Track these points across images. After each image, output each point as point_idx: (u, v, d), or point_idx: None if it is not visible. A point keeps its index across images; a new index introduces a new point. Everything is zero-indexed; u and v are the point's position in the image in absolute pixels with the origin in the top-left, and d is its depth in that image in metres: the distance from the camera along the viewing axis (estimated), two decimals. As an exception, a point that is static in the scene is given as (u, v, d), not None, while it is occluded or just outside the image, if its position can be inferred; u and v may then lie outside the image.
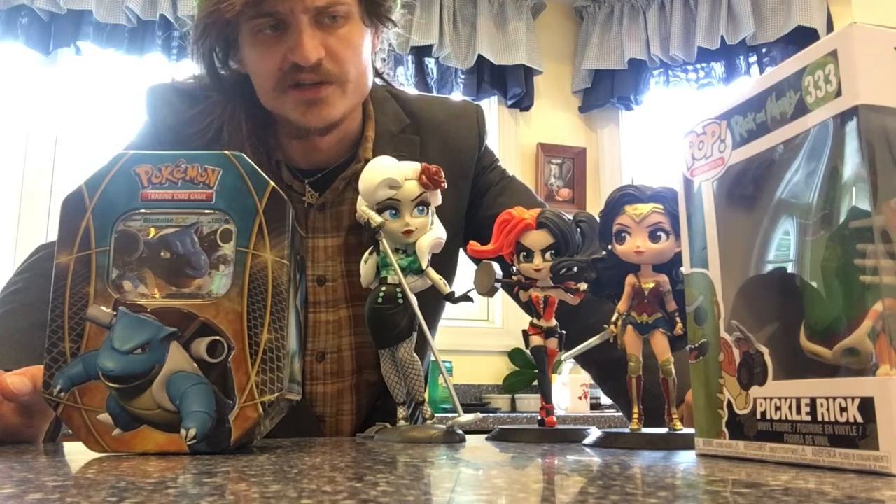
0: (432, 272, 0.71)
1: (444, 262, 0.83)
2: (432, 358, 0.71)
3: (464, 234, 1.01)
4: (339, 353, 0.95)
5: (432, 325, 0.98)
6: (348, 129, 0.96)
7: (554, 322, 0.71)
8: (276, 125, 0.96)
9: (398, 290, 0.70)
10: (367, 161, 0.90)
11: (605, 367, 0.95)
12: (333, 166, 0.96)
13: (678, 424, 0.61)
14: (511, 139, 3.23)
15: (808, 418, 0.42)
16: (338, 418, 0.96)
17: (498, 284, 0.70)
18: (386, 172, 0.70)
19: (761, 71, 3.04)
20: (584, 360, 0.98)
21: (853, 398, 0.39)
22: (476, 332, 3.03)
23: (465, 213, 1.02)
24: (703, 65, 3.20)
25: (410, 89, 2.63)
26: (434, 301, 0.77)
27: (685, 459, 0.48)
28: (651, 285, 0.61)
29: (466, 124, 1.03)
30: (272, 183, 0.56)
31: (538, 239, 0.68)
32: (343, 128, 0.94)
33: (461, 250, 1.02)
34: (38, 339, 0.63)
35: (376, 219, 0.70)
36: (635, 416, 0.61)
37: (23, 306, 0.81)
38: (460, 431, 0.67)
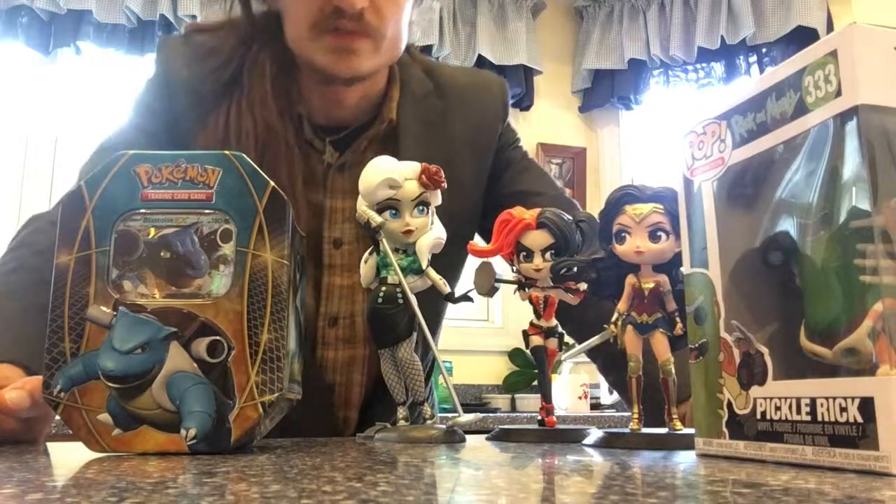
0: (432, 272, 0.71)
1: (460, 241, 0.80)
2: (433, 358, 0.70)
3: (482, 210, 0.99)
4: (352, 319, 0.93)
5: (435, 325, 0.97)
6: (373, 88, 0.94)
7: (554, 322, 0.71)
8: (299, 76, 0.94)
9: (398, 290, 0.70)
10: (390, 121, 0.90)
11: (611, 357, 0.94)
12: (355, 126, 0.94)
13: (678, 424, 0.61)
14: (511, 139, 3.23)
15: (808, 418, 0.42)
16: (348, 387, 0.94)
17: (498, 284, 0.70)
18: (386, 172, 0.70)
19: (761, 71, 3.04)
20: (589, 351, 0.98)
21: (853, 398, 0.39)
22: (476, 332, 3.03)
23: (486, 186, 1.00)
24: (703, 65, 3.20)
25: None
26: (435, 301, 0.77)
27: (685, 459, 0.48)
28: (651, 285, 0.61)
29: (491, 95, 1.02)
30: (272, 183, 0.56)
31: (538, 239, 0.68)
32: (367, 85, 0.92)
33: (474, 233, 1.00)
34: (30, 324, 0.62)
35: (376, 219, 0.70)
36: (635, 416, 0.61)
37: (15, 290, 0.79)
38: (460, 431, 0.67)
